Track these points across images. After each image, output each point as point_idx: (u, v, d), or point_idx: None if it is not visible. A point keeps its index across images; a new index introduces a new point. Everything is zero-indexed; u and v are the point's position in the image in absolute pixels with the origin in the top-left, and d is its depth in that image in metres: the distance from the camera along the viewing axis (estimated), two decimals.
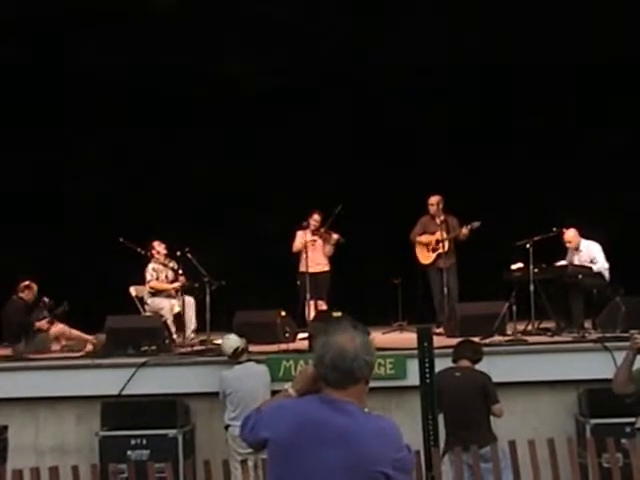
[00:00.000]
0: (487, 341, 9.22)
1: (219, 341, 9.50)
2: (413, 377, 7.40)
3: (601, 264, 10.29)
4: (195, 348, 10.11)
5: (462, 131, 12.53)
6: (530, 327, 10.10)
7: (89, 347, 10.29)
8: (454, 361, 7.54)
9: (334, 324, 3.13)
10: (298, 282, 11.08)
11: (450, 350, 7.78)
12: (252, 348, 9.13)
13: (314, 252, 11.13)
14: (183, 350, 10.00)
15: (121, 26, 12.36)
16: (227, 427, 8.44)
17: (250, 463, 7.81)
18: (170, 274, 11.04)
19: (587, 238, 10.50)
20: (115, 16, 12.24)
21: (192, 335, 10.75)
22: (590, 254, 10.38)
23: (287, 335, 10.06)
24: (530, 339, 9.61)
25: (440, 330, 10.43)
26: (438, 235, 11.05)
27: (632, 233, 11.84)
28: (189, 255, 10.55)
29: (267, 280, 11.69)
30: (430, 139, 12.64)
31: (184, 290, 10.87)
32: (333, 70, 12.59)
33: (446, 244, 10.94)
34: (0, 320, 10.54)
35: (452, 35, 12.32)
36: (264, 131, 12.68)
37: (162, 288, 11.00)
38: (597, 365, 8.65)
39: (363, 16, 12.56)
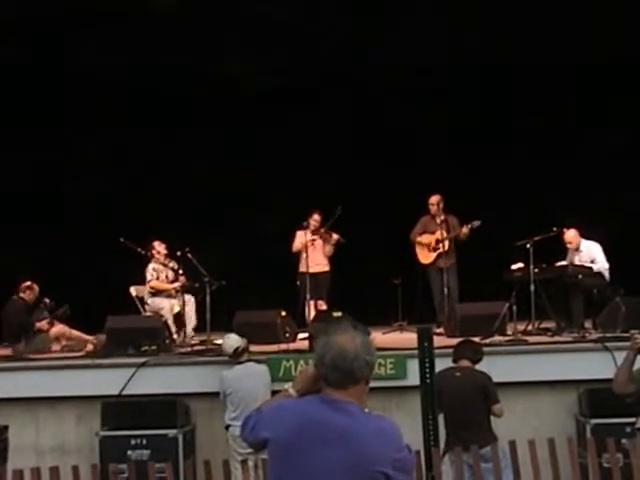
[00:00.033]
0: (487, 341, 9.22)
1: (219, 341, 9.50)
2: (413, 377, 7.40)
3: (601, 264, 10.29)
4: (195, 348, 10.12)
5: (462, 131, 12.53)
6: (530, 327, 10.10)
7: (89, 347, 10.29)
8: (454, 361, 7.54)
9: (334, 324, 3.13)
10: (298, 282, 11.08)
11: (450, 350, 7.78)
12: (252, 348, 9.13)
13: (314, 252, 11.13)
14: (183, 350, 10.01)
15: (121, 26, 12.36)
16: (227, 427, 8.44)
17: (250, 463, 7.82)
18: (170, 274, 11.04)
19: (587, 238, 10.50)
20: (115, 16, 12.24)
21: (192, 333, 10.76)
22: (590, 254, 10.38)
23: (287, 335, 10.07)
24: (530, 339, 9.61)
25: (440, 330, 10.43)
26: (438, 235, 11.05)
27: (632, 233, 11.84)
28: (189, 255, 10.55)
29: (267, 280, 11.68)
30: (430, 139, 12.63)
31: (184, 290, 10.88)
32: (333, 70, 12.59)
33: (446, 244, 10.94)
34: (0, 320, 10.54)
35: (452, 35, 12.31)
36: (264, 131, 12.68)
37: (162, 288, 11.01)
38: (597, 365, 8.66)
39: (363, 16, 12.56)
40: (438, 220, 11.10)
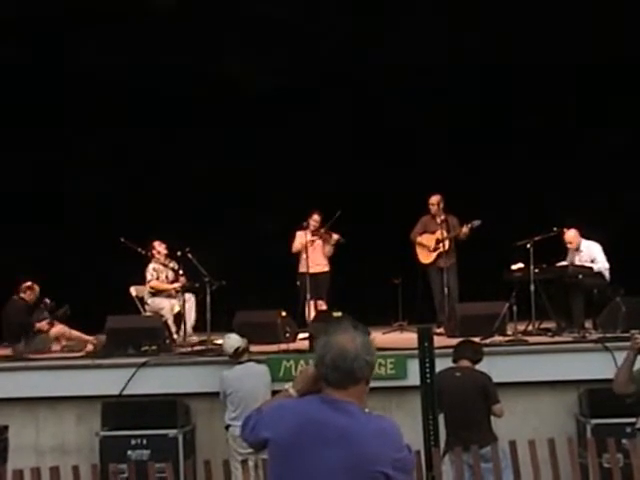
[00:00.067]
0: (487, 341, 9.22)
1: (219, 341, 9.50)
2: (413, 377, 7.40)
3: (601, 264, 10.29)
4: (195, 348, 10.11)
5: (462, 131, 12.53)
6: (530, 327, 10.10)
7: (89, 347, 10.29)
8: (454, 361, 7.54)
9: (335, 324, 3.13)
10: (298, 282, 11.08)
11: (450, 350, 7.78)
12: (252, 348, 9.13)
13: (314, 252, 11.13)
14: (183, 350, 10.00)
15: (121, 26, 12.36)
16: (227, 427, 8.44)
17: (251, 463, 7.82)
18: (170, 274, 11.04)
19: (587, 238, 10.50)
20: (115, 16, 12.24)
21: (191, 331, 10.74)
22: (591, 254, 10.38)
23: (287, 335, 10.07)
24: (530, 339, 9.61)
25: (440, 330, 10.43)
26: (438, 234, 11.06)
27: (632, 233, 11.84)
28: (189, 255, 10.55)
29: (267, 280, 11.68)
30: (430, 139, 12.63)
31: (184, 290, 10.88)
32: (333, 70, 12.59)
33: (446, 244, 10.94)
34: (0, 320, 10.54)
35: (452, 35, 12.31)
36: (264, 131, 12.68)
37: (162, 288, 11.01)
38: (597, 365, 8.66)
39: (363, 16, 12.56)
40: (438, 220, 11.11)
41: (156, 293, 11.01)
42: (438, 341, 8.06)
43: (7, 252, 11.87)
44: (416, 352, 6.84)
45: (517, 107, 12.68)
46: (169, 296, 11.01)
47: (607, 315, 9.89)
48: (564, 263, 10.49)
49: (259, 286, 11.64)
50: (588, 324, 10.21)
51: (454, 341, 8.30)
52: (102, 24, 12.36)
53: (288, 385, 3.23)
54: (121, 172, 12.87)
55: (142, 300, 11.02)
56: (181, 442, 8.83)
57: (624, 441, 7.39)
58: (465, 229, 10.97)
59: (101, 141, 12.80)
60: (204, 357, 9.54)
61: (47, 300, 10.62)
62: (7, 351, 10.30)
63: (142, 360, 9.31)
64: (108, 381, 9.22)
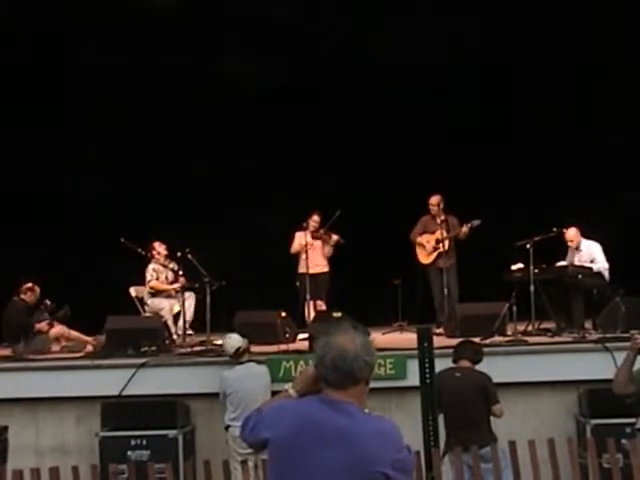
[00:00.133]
0: (487, 341, 9.22)
1: (219, 341, 9.50)
2: (413, 377, 7.40)
3: (601, 264, 10.29)
4: (195, 349, 10.10)
5: (462, 131, 12.52)
6: (530, 327, 10.10)
7: (89, 348, 10.28)
8: (454, 361, 7.54)
9: (334, 325, 3.13)
10: (297, 283, 11.08)
11: (450, 350, 7.78)
12: (252, 348, 9.12)
13: (313, 253, 11.13)
14: (183, 350, 10.00)
15: (121, 26, 12.35)
16: (227, 427, 8.44)
17: (250, 463, 7.82)
18: (170, 275, 11.04)
19: (587, 238, 10.50)
20: (115, 16, 12.23)
21: (189, 329, 10.73)
22: (590, 254, 10.38)
23: (287, 336, 10.06)
24: (530, 339, 9.61)
25: (440, 330, 10.43)
26: (438, 235, 11.06)
27: (632, 233, 11.84)
28: (189, 256, 10.54)
29: (267, 280, 11.68)
30: (430, 139, 12.63)
31: (184, 290, 10.87)
32: (333, 70, 12.58)
33: (446, 244, 10.94)
34: (0, 320, 10.53)
35: (452, 35, 12.30)
36: (264, 131, 12.67)
37: (162, 288, 11.01)
38: (597, 365, 8.66)
39: (363, 16, 12.55)
40: (438, 220, 11.11)
41: (156, 294, 11.01)
42: (438, 341, 8.06)
43: (7, 252, 11.86)
44: (416, 352, 6.83)
45: (517, 107, 12.68)
46: (169, 297, 11.01)
47: (607, 315, 9.90)
48: (564, 263, 10.50)
49: (259, 286, 11.63)
50: (588, 324, 10.21)
51: (454, 341, 8.30)
52: (102, 24, 12.36)
53: (288, 386, 3.23)
54: (121, 172, 12.86)
55: (142, 301, 11.02)
56: (181, 442, 8.82)
57: (624, 441, 7.38)
58: (465, 229, 10.98)
59: (101, 141, 12.79)
60: (204, 357, 9.54)
61: (47, 301, 10.61)
62: (7, 352, 10.30)
63: (142, 361, 9.30)
64: (108, 382, 9.22)
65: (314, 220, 11.21)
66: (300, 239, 11.21)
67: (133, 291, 11.04)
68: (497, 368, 8.21)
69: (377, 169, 12.56)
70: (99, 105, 12.42)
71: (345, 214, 10.89)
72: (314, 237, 11.18)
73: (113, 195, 12.88)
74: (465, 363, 7.47)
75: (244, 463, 7.36)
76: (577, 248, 10.46)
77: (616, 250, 10.59)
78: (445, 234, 10.96)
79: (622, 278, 10.32)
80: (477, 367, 7.52)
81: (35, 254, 11.80)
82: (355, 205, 11.66)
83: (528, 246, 10.01)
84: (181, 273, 10.84)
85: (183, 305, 10.75)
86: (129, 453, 8.72)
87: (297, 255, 11.26)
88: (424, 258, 11.30)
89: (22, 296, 10.53)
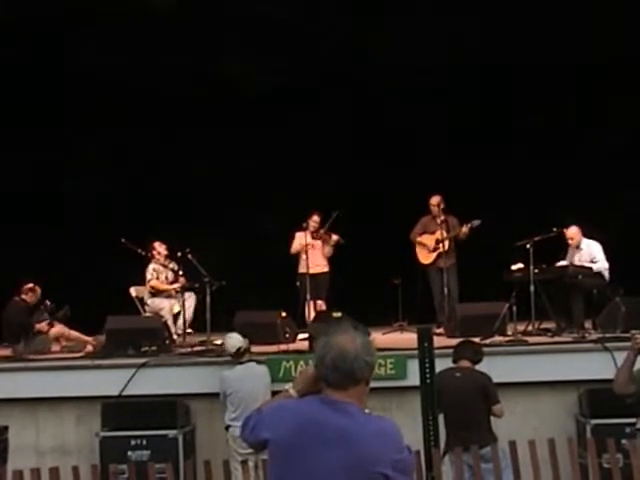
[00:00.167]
0: (487, 341, 9.22)
1: (219, 341, 9.50)
2: (413, 377, 7.39)
3: (601, 264, 10.29)
4: (195, 349, 10.10)
5: (462, 131, 12.52)
6: (530, 327, 10.10)
7: (89, 348, 10.29)
8: (454, 361, 7.54)
9: (335, 325, 3.13)
10: (298, 283, 11.09)
11: (450, 350, 7.78)
12: (252, 348, 9.12)
13: (313, 253, 11.13)
14: (183, 350, 10.00)
15: (121, 26, 12.35)
16: (227, 427, 8.44)
17: (250, 463, 7.82)
18: (170, 275, 11.04)
19: (588, 238, 10.50)
20: (115, 16, 12.23)
21: (188, 328, 10.73)
22: (591, 253, 10.38)
23: (287, 336, 10.06)
24: (530, 339, 9.61)
25: (440, 330, 10.43)
26: (438, 235, 11.06)
27: (632, 233, 11.83)
28: (189, 256, 10.54)
29: (267, 280, 11.68)
30: (430, 139, 12.63)
31: (184, 290, 10.87)
32: (333, 70, 12.58)
33: (446, 244, 10.94)
34: (1, 321, 10.53)
35: (452, 35, 12.30)
36: (264, 131, 12.67)
37: (162, 288, 11.02)
38: (597, 365, 8.66)
39: (363, 16, 12.55)
40: (438, 220, 11.11)
41: (156, 294, 11.02)
42: (438, 341, 8.05)
43: (7, 252, 11.86)
44: (416, 352, 6.83)
45: (517, 107, 12.68)
46: (169, 296, 11.01)
47: (607, 315, 9.90)
48: (564, 263, 10.49)
49: (259, 286, 11.62)
50: (588, 324, 10.21)
51: (454, 341, 8.30)
52: (102, 24, 12.36)
53: (288, 386, 3.23)
54: (121, 172, 12.86)
55: (142, 301, 11.02)
56: (181, 442, 8.83)
57: (624, 441, 7.38)
58: (465, 229, 10.98)
59: (101, 141, 12.79)
60: (204, 357, 9.55)
61: (48, 302, 10.61)
62: (7, 352, 10.30)
63: (142, 361, 9.31)
64: (108, 382, 9.22)
65: (314, 220, 11.22)
66: (300, 239, 11.21)
67: (133, 291, 11.04)
68: (497, 368, 8.21)
69: (377, 169, 12.56)
70: (99, 105, 12.41)
71: (345, 214, 10.89)
72: (314, 237, 11.18)
73: (113, 195, 12.88)
74: (465, 363, 7.47)
75: (244, 463, 7.36)
76: (577, 247, 10.46)
77: (616, 250, 10.58)
78: (445, 234, 10.96)
79: (622, 278, 10.32)
80: (477, 367, 7.52)
81: (35, 254, 11.80)
82: (355, 205, 11.66)
83: (528, 246, 10.01)
84: (181, 273, 10.85)
85: (183, 305, 10.76)
86: (129, 453, 8.73)
87: (297, 255, 11.27)
88: (424, 258, 11.30)
89: (23, 296, 10.53)
